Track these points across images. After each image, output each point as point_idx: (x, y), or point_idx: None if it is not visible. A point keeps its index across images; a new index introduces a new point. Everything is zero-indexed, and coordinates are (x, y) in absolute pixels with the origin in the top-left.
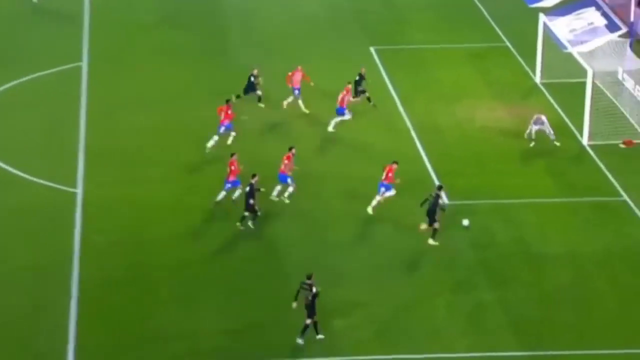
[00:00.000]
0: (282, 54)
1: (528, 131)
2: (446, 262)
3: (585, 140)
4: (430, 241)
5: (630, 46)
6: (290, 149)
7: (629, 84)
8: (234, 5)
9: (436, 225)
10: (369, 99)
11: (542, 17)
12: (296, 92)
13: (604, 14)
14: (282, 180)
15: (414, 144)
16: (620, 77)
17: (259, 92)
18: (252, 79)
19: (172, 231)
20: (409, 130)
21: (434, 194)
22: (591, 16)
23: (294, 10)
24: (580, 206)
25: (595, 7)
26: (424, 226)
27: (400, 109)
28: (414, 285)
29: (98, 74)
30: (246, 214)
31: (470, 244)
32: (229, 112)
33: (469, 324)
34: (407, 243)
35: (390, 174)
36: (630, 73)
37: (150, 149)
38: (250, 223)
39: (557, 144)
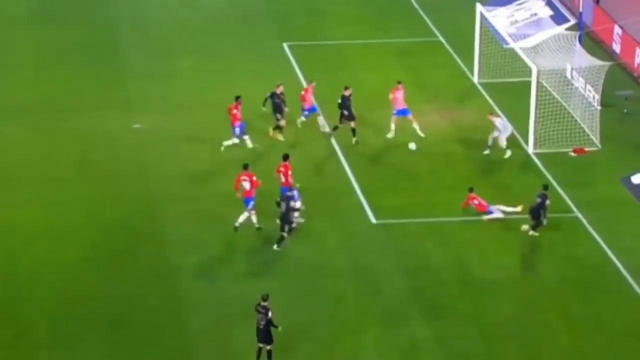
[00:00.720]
0: (183, 53)
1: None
2: (372, 290)
3: (530, 149)
4: (531, 232)
5: (580, 40)
6: (285, 158)
7: (579, 83)
8: None
9: (543, 221)
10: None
11: (479, 8)
12: (306, 112)
13: (549, 4)
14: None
15: (336, 155)
16: (569, 75)
17: (281, 123)
18: (274, 98)
19: (49, 260)
20: (328, 140)
21: (540, 195)
22: (535, 6)
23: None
24: (526, 224)
25: None
26: (525, 227)
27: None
28: (335, 319)
29: None
30: (284, 233)
31: (400, 268)
32: (235, 111)
33: None
34: (325, 266)
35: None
36: (580, 71)
37: (21, 166)
38: (279, 244)
39: (507, 154)
